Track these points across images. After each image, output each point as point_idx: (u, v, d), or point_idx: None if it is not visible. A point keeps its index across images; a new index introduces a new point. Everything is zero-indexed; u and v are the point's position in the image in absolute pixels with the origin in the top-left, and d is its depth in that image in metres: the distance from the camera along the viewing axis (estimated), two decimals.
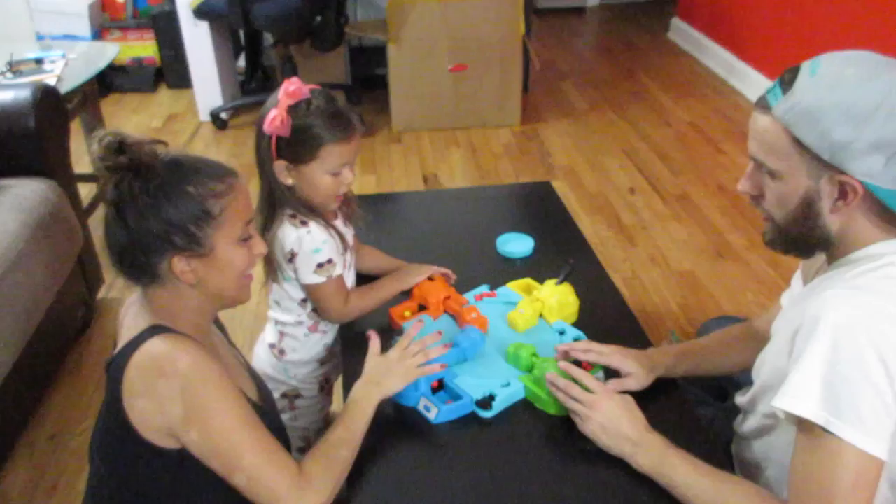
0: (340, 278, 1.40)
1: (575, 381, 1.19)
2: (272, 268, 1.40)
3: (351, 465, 1.08)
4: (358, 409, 1.14)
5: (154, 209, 1.00)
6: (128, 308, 1.12)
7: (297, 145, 1.28)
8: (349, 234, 1.47)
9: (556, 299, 1.40)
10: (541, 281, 1.47)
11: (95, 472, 1.12)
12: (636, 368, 1.25)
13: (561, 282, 1.43)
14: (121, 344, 1.05)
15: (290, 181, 1.32)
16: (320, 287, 1.38)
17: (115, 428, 1.02)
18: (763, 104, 1.00)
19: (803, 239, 1.03)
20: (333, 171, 1.31)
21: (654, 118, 3.83)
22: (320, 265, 1.35)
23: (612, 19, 5.59)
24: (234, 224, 1.05)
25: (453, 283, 1.52)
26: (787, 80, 0.97)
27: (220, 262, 1.05)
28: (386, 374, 1.18)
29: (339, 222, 1.43)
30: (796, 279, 1.21)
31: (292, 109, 1.26)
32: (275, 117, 1.26)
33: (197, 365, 0.99)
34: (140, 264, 1.04)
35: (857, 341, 0.90)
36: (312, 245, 1.34)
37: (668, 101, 4.02)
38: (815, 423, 0.91)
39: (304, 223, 1.34)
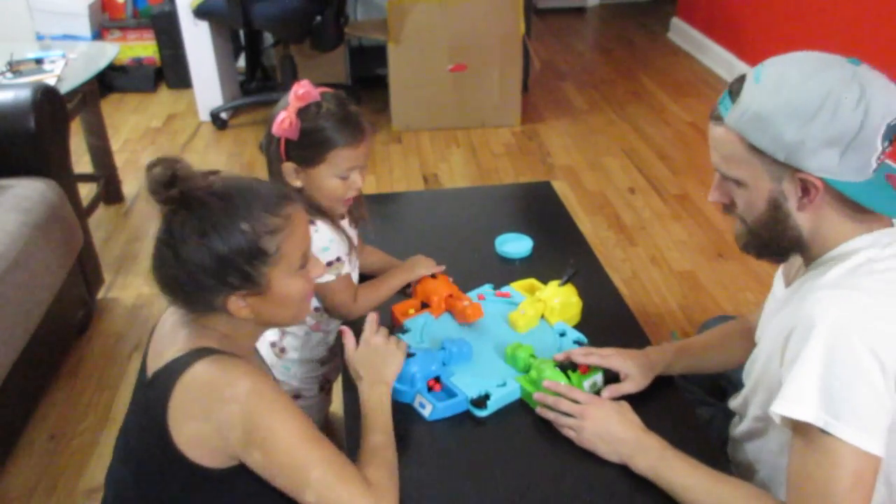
0: (348, 276, 1.40)
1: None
2: None
3: (397, 459, 1.08)
4: (380, 410, 1.13)
5: (207, 249, 0.96)
6: (167, 323, 1.08)
7: (306, 148, 1.28)
8: (354, 235, 1.47)
9: (559, 301, 1.40)
10: (543, 281, 1.47)
11: (116, 475, 1.09)
12: (635, 370, 1.24)
13: (564, 283, 1.43)
14: (161, 361, 1.00)
15: (298, 183, 1.32)
16: (329, 285, 1.37)
17: (151, 442, 0.99)
18: (716, 115, 1.02)
19: (775, 241, 1.04)
20: (342, 174, 1.31)
21: (653, 118, 3.83)
22: (329, 263, 1.35)
23: (612, 19, 5.59)
24: (291, 259, 1.02)
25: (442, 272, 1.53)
26: (734, 89, 1.00)
27: (278, 297, 1.02)
28: (382, 365, 1.18)
29: (344, 223, 1.43)
30: (778, 280, 1.21)
31: (302, 112, 1.26)
32: (283, 119, 1.25)
33: (255, 387, 0.96)
34: (193, 298, 1.01)
35: (850, 341, 0.91)
36: (321, 244, 1.34)
37: (668, 101, 4.02)
38: (814, 426, 0.91)
39: (311, 222, 1.34)
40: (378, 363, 1.19)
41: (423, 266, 1.50)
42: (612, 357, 1.25)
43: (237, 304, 1.00)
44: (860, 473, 0.91)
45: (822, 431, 0.91)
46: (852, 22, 3.11)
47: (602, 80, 4.37)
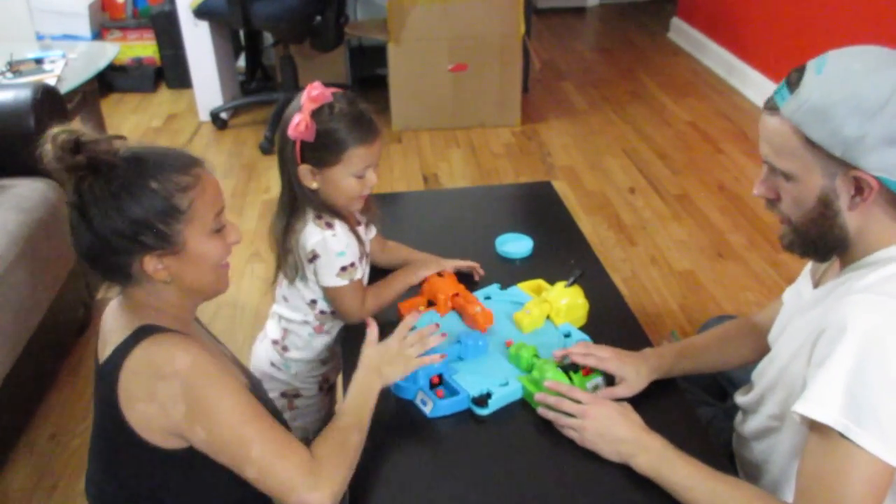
0: (360, 282, 1.41)
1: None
2: (287, 265, 1.39)
3: (360, 451, 1.07)
4: (361, 397, 1.13)
5: (118, 210, 0.96)
6: (110, 311, 1.10)
7: (322, 150, 1.29)
8: (369, 237, 1.49)
9: (565, 302, 1.40)
10: (549, 282, 1.47)
11: (94, 477, 1.11)
12: (631, 374, 1.23)
13: (570, 284, 1.43)
14: (108, 348, 1.02)
15: (314, 185, 1.32)
16: (341, 290, 1.38)
17: (113, 433, 1.01)
18: (771, 105, 0.98)
19: (822, 239, 1.02)
20: (358, 173, 1.32)
21: (654, 118, 3.83)
22: (343, 269, 1.36)
23: (612, 19, 5.59)
24: (204, 217, 1.02)
25: (480, 277, 1.54)
26: (793, 79, 0.96)
27: (193, 256, 1.02)
28: (386, 363, 1.18)
29: (360, 228, 1.44)
30: (804, 279, 1.19)
31: (316, 113, 1.27)
32: (299, 122, 1.26)
33: (195, 362, 0.97)
34: (111, 265, 1.01)
35: (883, 348, 0.89)
36: (337, 248, 1.34)
37: (668, 101, 4.02)
38: (834, 429, 0.90)
39: (329, 225, 1.34)
40: (385, 360, 1.19)
41: (426, 267, 1.49)
42: (608, 360, 1.24)
43: (153, 264, 1.00)
44: (874, 483, 0.90)
45: (841, 436, 0.90)
46: (852, 22, 3.11)
47: (602, 80, 4.37)
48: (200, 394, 0.96)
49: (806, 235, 1.03)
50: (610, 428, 1.12)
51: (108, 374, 0.99)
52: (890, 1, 2.90)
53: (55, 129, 0.96)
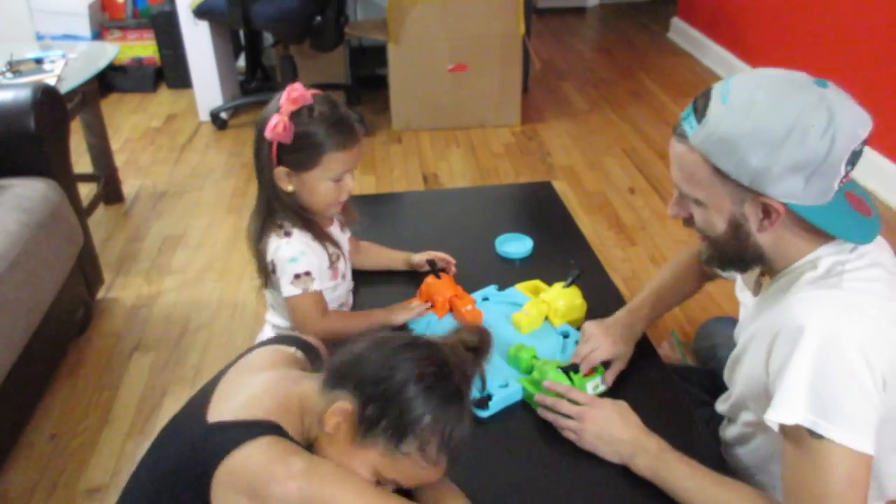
0: (318, 294, 1.36)
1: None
2: (260, 271, 1.39)
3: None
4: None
5: None
6: (250, 359, 1.04)
7: (299, 152, 1.26)
8: (345, 240, 1.46)
9: (563, 303, 1.40)
10: (547, 282, 1.47)
11: None
12: (621, 349, 1.29)
13: (569, 285, 1.43)
14: (224, 401, 0.95)
15: (290, 188, 1.30)
16: (295, 299, 1.34)
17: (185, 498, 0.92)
18: (680, 133, 1.00)
19: (738, 257, 1.05)
20: (335, 177, 1.29)
21: (654, 118, 3.83)
22: (297, 276, 1.33)
23: (612, 19, 5.59)
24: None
25: (453, 273, 1.54)
26: (699, 106, 0.97)
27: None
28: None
29: (335, 229, 1.43)
30: (741, 290, 1.23)
31: (294, 115, 1.24)
32: (277, 123, 1.23)
33: (313, 462, 0.90)
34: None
35: (838, 342, 0.91)
36: (289, 254, 1.32)
37: (668, 101, 4.02)
38: (803, 427, 0.91)
39: (287, 234, 1.32)
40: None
41: (404, 313, 1.43)
42: (596, 351, 1.27)
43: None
44: (853, 474, 0.91)
45: (813, 434, 0.91)
46: (852, 22, 3.11)
47: (602, 80, 4.37)
48: (320, 497, 0.88)
49: (723, 253, 1.06)
50: (607, 429, 1.12)
51: (212, 447, 0.91)
52: (889, 1, 2.90)
53: None
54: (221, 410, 0.95)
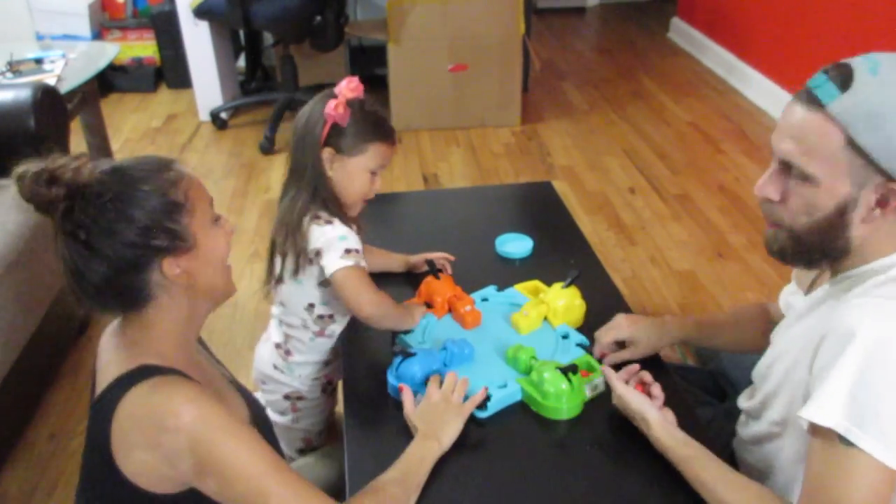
0: (366, 270, 1.37)
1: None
2: (287, 258, 1.38)
3: None
4: (414, 459, 1.09)
5: (124, 222, 0.92)
6: (107, 340, 1.04)
7: (350, 136, 1.33)
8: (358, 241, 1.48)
9: (562, 303, 1.40)
10: (546, 283, 1.47)
11: None
12: (642, 337, 1.29)
13: (567, 285, 1.43)
14: (104, 381, 0.97)
15: (330, 172, 1.34)
16: (347, 272, 1.33)
17: (101, 475, 0.95)
18: (811, 99, 0.92)
19: (821, 249, 0.98)
20: (374, 169, 1.36)
21: (654, 118, 3.83)
22: (348, 251, 1.34)
23: (612, 19, 5.59)
24: (203, 207, 1.00)
25: (449, 272, 1.55)
26: (837, 76, 0.90)
27: (205, 251, 1.00)
28: (441, 425, 1.14)
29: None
30: (792, 286, 1.20)
31: (349, 104, 1.32)
32: (338, 104, 1.30)
33: (201, 415, 0.91)
34: (128, 288, 0.96)
35: (888, 353, 0.88)
36: (337, 234, 1.35)
37: (668, 101, 4.02)
38: (836, 432, 0.89)
39: (328, 222, 1.35)
40: (437, 421, 1.15)
41: (416, 315, 1.42)
42: (622, 328, 1.29)
43: (172, 267, 0.96)
44: (877, 487, 0.89)
45: (843, 440, 0.89)
46: (853, 21, 3.11)
47: (602, 80, 4.37)
48: (210, 448, 0.91)
49: (803, 243, 0.99)
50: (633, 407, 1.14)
51: (101, 413, 0.94)
52: (889, 1, 2.90)
53: (20, 169, 0.91)
54: (102, 381, 0.98)
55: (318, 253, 1.35)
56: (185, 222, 0.97)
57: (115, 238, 0.93)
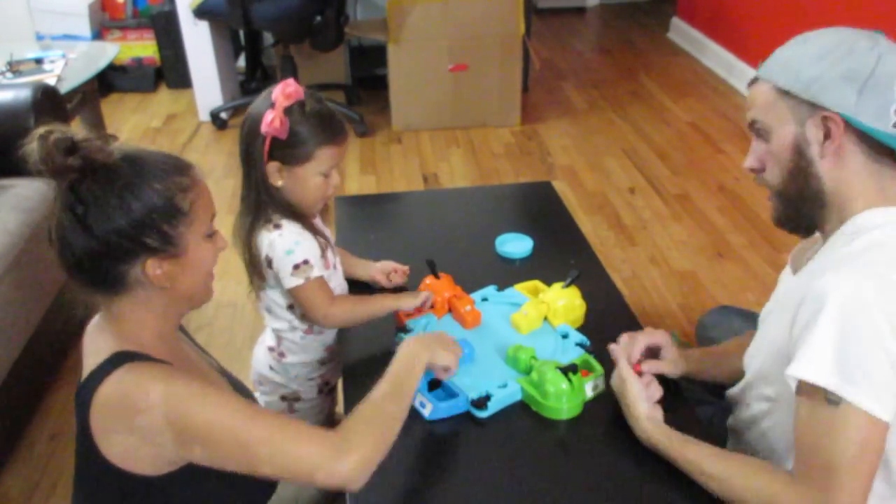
0: (321, 280, 1.37)
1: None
2: (257, 276, 1.38)
3: (401, 422, 1.03)
4: (404, 366, 1.10)
5: (123, 211, 0.93)
6: (90, 331, 1.05)
7: (293, 147, 1.28)
8: (328, 233, 1.47)
9: (563, 303, 1.40)
10: (546, 283, 1.47)
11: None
12: (676, 354, 1.29)
13: (567, 285, 1.43)
14: (86, 372, 0.99)
15: (279, 183, 1.31)
16: (300, 289, 1.35)
17: (88, 460, 0.97)
18: (753, 78, 1.11)
19: (801, 197, 1.07)
20: (325, 172, 1.32)
21: (654, 118, 3.83)
22: (296, 266, 1.33)
23: (612, 19, 5.59)
24: (203, 220, 1.00)
25: (402, 283, 1.54)
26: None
27: (192, 260, 1.00)
28: (437, 343, 1.18)
29: (317, 222, 1.43)
30: (786, 273, 1.23)
31: (287, 111, 1.26)
32: (273, 119, 1.25)
33: (168, 388, 0.93)
34: (106, 272, 0.96)
35: (867, 309, 0.92)
36: (284, 247, 1.33)
37: (668, 101, 4.02)
38: (826, 389, 0.92)
39: (277, 226, 1.33)
40: (432, 340, 1.18)
41: (411, 300, 1.43)
42: (656, 333, 1.30)
43: (154, 268, 0.96)
44: (868, 439, 0.92)
45: (832, 396, 0.92)
46: (853, 21, 3.10)
47: (602, 80, 4.37)
48: (185, 417, 0.92)
49: (788, 198, 1.09)
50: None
51: (81, 401, 0.95)
52: (889, 1, 2.90)
53: (43, 129, 0.91)
54: (83, 373, 1.00)
55: (269, 262, 1.35)
56: (181, 230, 0.98)
57: (109, 223, 0.93)
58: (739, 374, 1.35)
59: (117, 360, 0.95)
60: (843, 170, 1.04)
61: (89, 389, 0.95)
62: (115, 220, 0.93)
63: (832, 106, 1.00)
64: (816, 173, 1.04)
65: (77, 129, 0.95)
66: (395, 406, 1.05)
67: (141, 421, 0.92)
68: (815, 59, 1.03)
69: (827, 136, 1.02)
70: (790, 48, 1.08)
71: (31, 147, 0.91)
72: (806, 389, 0.96)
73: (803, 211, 1.09)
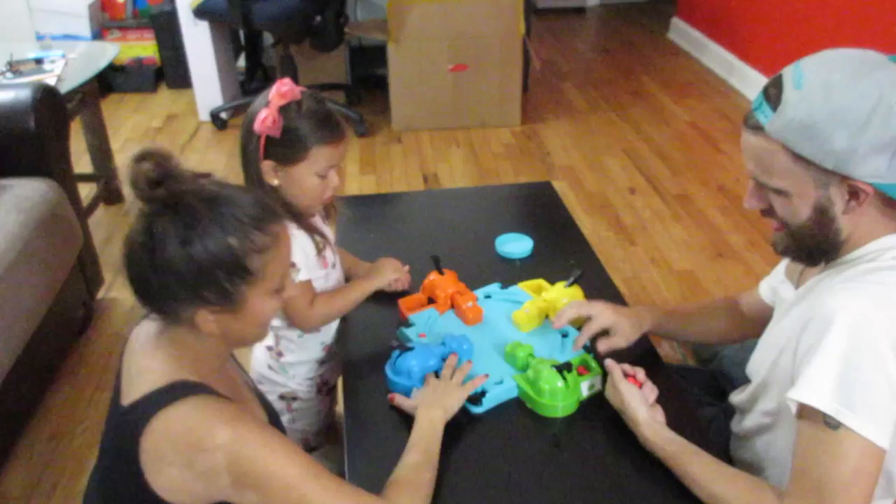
0: (305, 283, 1.36)
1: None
2: None
3: (433, 488, 1.05)
4: (427, 432, 1.12)
5: (187, 258, 0.89)
6: (141, 343, 1.01)
7: (287, 146, 1.28)
8: (329, 231, 1.46)
9: (564, 302, 1.40)
10: (550, 282, 1.48)
11: None
12: (625, 325, 1.29)
13: (570, 284, 1.43)
14: (134, 390, 0.95)
15: (275, 182, 1.31)
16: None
17: (127, 483, 0.94)
18: (753, 124, 0.98)
19: (818, 246, 1.03)
20: (321, 172, 1.31)
21: (654, 118, 3.83)
22: None
23: (612, 19, 5.59)
24: (272, 280, 0.97)
25: (404, 288, 1.52)
26: (772, 95, 0.96)
27: (250, 316, 0.97)
28: (442, 395, 1.18)
29: (316, 219, 1.43)
30: (781, 279, 1.23)
31: (283, 110, 1.26)
32: (266, 117, 1.25)
33: (237, 433, 0.91)
34: (160, 304, 0.95)
35: (872, 334, 0.91)
36: None
37: (668, 101, 4.02)
38: (825, 413, 0.92)
39: None
40: (437, 394, 1.18)
41: (385, 272, 1.45)
42: (602, 314, 1.29)
43: (206, 318, 0.94)
44: (864, 465, 0.91)
45: (831, 420, 0.91)
46: (853, 21, 3.11)
47: (602, 80, 4.37)
48: (248, 464, 0.91)
49: (802, 242, 1.04)
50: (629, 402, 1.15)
51: (132, 425, 0.92)
52: (890, 1, 2.90)
53: (147, 150, 0.90)
54: (130, 392, 0.95)
55: None
56: (243, 289, 0.94)
57: (171, 266, 0.90)
58: (708, 337, 1.41)
59: (180, 391, 0.93)
60: (861, 216, 0.99)
61: (143, 415, 0.91)
62: (177, 266, 0.90)
63: (864, 177, 0.93)
64: (837, 227, 1.00)
65: (177, 160, 0.92)
66: (430, 474, 1.07)
67: (202, 460, 0.90)
68: (846, 130, 0.91)
69: (854, 197, 0.96)
70: (808, 104, 0.92)
71: (131, 168, 0.90)
72: (806, 411, 0.95)
73: (816, 254, 1.06)
